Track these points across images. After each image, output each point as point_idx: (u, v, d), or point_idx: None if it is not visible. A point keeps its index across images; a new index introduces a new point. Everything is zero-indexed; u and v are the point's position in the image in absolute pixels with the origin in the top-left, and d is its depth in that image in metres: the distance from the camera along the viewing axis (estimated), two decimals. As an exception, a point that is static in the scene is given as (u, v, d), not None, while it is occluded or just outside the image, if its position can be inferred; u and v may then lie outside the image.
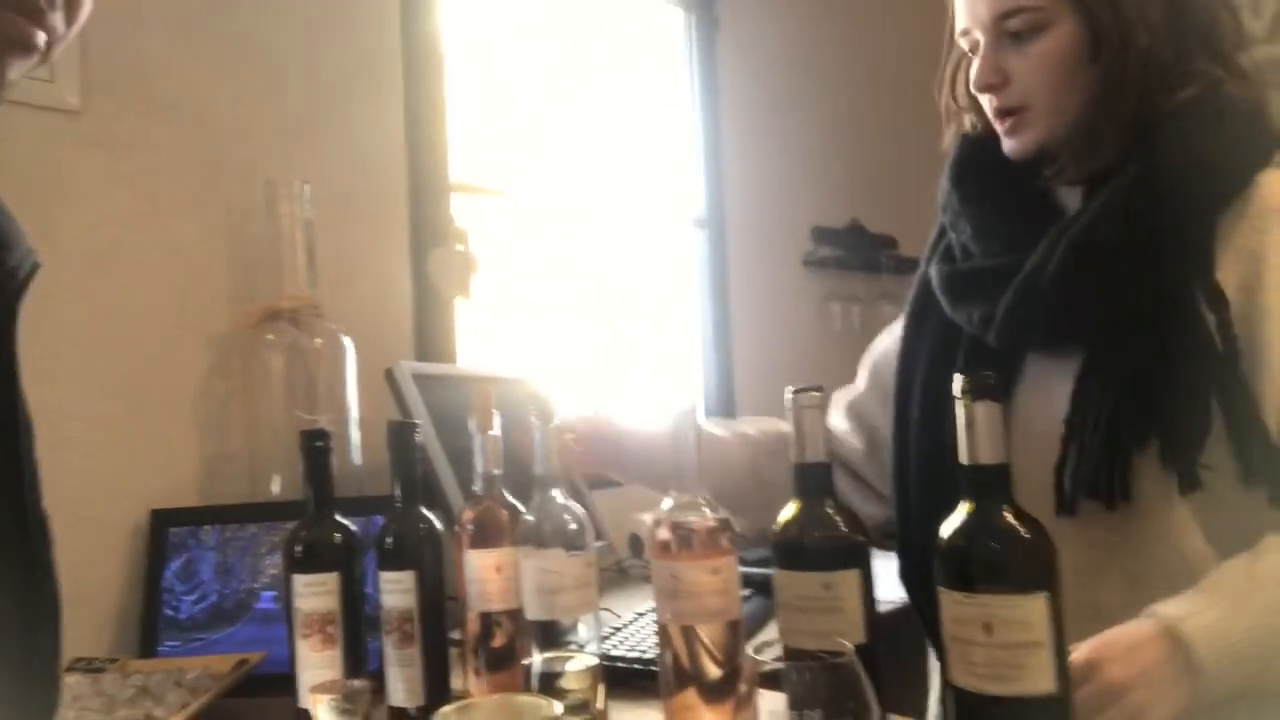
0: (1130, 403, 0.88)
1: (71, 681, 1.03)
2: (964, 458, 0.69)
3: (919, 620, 1.02)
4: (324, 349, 1.43)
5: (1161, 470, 0.87)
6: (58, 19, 0.51)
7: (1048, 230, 0.95)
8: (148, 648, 1.22)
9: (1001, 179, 1.02)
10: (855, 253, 2.71)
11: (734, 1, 2.50)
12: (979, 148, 1.05)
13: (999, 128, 1.00)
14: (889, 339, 1.17)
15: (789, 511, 0.80)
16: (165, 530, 1.29)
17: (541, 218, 2.13)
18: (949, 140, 1.11)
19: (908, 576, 1.04)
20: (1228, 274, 0.88)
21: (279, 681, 1.00)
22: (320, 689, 0.83)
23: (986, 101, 1.00)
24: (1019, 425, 0.94)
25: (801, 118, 2.66)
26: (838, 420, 1.21)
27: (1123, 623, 0.81)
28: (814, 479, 0.80)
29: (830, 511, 0.79)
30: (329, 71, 1.63)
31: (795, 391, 0.80)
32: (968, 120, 1.09)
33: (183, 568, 1.27)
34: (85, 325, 1.31)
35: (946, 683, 0.69)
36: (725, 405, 2.42)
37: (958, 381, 0.70)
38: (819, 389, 0.80)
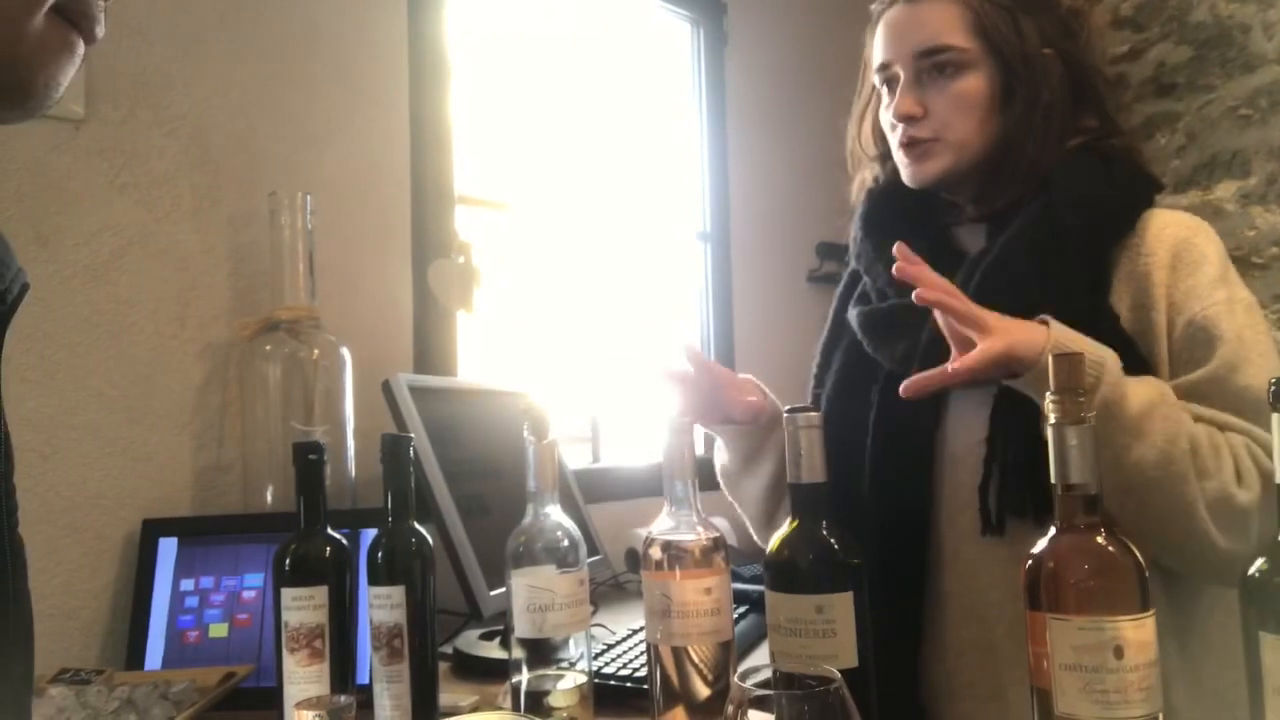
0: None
1: (56, 693, 1.01)
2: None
3: None
4: (322, 360, 1.42)
5: None
6: (99, 31, 0.50)
7: (956, 269, 1.01)
8: (135, 659, 1.20)
9: (907, 225, 1.08)
10: (860, 270, 2.69)
11: (743, 16, 2.50)
12: (885, 199, 1.14)
13: (904, 158, 1.06)
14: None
15: (783, 532, 0.79)
16: (156, 540, 1.28)
17: (546, 232, 2.12)
18: (856, 194, 1.19)
19: None
20: (1121, 296, 0.98)
21: (266, 695, 0.99)
22: (305, 704, 0.82)
23: (899, 132, 1.06)
24: (946, 452, 1.01)
25: (809, 133, 2.65)
26: None
27: None
28: (810, 499, 0.79)
29: (825, 533, 0.78)
30: (333, 82, 1.63)
31: (791, 410, 0.79)
32: (869, 174, 1.17)
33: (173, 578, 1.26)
34: (83, 334, 1.31)
35: None
36: (727, 422, 2.41)
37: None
38: (816, 408, 0.79)
